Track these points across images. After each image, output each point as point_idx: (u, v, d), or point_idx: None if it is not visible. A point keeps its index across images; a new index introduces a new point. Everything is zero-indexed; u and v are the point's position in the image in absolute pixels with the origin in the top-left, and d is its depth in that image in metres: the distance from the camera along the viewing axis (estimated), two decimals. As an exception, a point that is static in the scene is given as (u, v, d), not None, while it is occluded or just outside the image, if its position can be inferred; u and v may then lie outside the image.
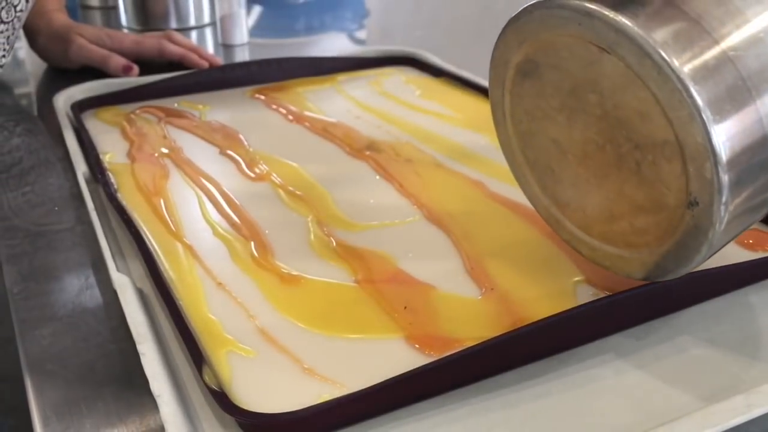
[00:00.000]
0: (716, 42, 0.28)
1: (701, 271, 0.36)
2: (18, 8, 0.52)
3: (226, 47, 0.87)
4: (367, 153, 0.54)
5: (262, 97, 0.66)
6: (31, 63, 0.81)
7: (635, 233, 0.33)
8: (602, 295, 0.36)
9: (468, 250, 0.40)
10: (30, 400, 0.31)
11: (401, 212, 0.45)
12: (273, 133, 0.59)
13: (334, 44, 0.97)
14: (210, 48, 0.88)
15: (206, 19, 0.97)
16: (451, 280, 0.38)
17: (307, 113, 0.62)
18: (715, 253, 0.32)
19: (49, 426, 0.30)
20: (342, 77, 0.71)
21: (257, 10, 1.12)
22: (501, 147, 0.39)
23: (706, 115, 0.28)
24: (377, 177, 0.50)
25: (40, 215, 0.47)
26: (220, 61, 0.77)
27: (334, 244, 0.42)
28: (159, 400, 0.28)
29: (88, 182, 0.48)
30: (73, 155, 0.52)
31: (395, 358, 0.32)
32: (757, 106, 0.28)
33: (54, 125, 0.59)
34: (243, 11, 0.87)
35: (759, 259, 0.38)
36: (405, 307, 0.35)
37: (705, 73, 0.28)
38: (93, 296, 0.38)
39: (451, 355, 0.30)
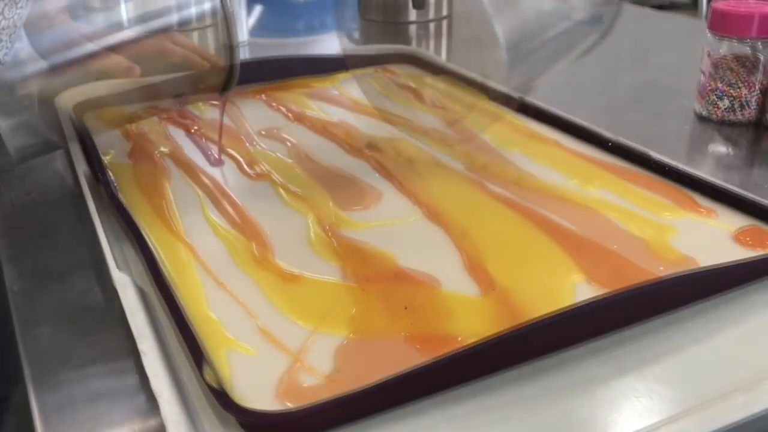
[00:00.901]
0: None
1: (701, 270, 0.36)
2: (19, 5, 0.52)
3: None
4: (368, 152, 0.54)
5: (263, 97, 0.66)
6: (32, 63, 0.80)
7: None
8: (602, 293, 0.36)
9: (468, 249, 0.41)
10: (30, 399, 0.31)
11: (401, 211, 0.45)
12: (274, 132, 0.59)
13: (334, 44, 0.97)
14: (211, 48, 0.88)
15: (208, 20, 0.97)
16: (452, 279, 0.38)
17: (307, 112, 0.62)
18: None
19: (50, 424, 0.30)
20: (342, 76, 0.71)
21: (257, 9, 1.12)
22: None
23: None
24: (378, 176, 0.50)
25: (41, 214, 0.47)
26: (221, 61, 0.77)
27: (335, 243, 0.42)
28: (159, 399, 0.29)
29: (89, 182, 0.48)
30: (75, 155, 0.52)
31: (396, 357, 0.32)
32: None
33: (56, 125, 0.59)
34: (243, 11, 0.87)
35: (758, 257, 0.38)
36: (405, 307, 0.35)
37: None
38: (94, 295, 0.38)
39: (451, 353, 0.30)
